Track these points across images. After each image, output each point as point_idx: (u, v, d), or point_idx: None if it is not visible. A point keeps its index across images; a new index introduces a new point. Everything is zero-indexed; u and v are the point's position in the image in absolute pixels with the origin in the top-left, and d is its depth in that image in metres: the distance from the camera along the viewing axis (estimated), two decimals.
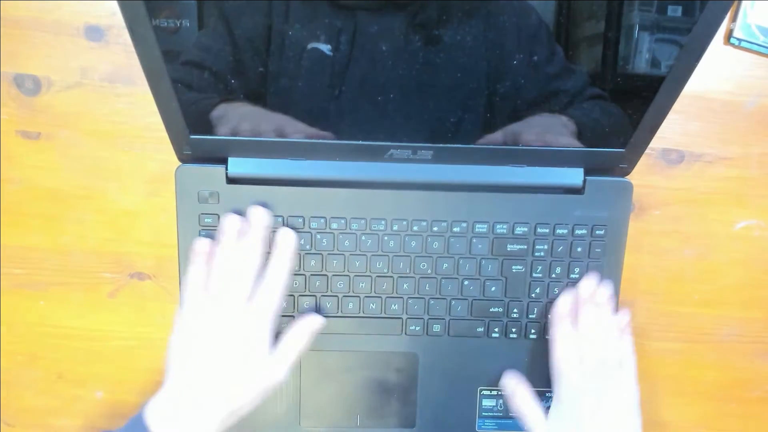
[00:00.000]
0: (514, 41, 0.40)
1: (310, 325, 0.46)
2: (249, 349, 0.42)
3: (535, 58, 0.41)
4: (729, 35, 0.50)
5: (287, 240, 0.46)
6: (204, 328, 0.42)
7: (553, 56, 0.41)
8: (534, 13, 0.40)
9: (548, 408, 0.47)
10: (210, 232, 0.47)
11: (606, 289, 0.49)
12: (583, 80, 0.43)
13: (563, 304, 0.48)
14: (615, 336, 0.48)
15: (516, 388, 0.48)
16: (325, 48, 0.40)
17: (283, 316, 0.49)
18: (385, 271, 0.49)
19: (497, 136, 0.45)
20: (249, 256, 0.44)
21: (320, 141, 0.45)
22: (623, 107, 0.44)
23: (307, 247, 0.48)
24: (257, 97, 0.43)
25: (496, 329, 0.50)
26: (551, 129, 0.45)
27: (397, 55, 0.40)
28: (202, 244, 0.46)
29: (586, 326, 0.47)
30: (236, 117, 0.44)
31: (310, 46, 0.40)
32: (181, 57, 0.40)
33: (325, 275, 0.49)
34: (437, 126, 0.45)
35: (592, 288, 0.49)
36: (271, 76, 0.41)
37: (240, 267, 0.44)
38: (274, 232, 0.47)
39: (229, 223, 0.45)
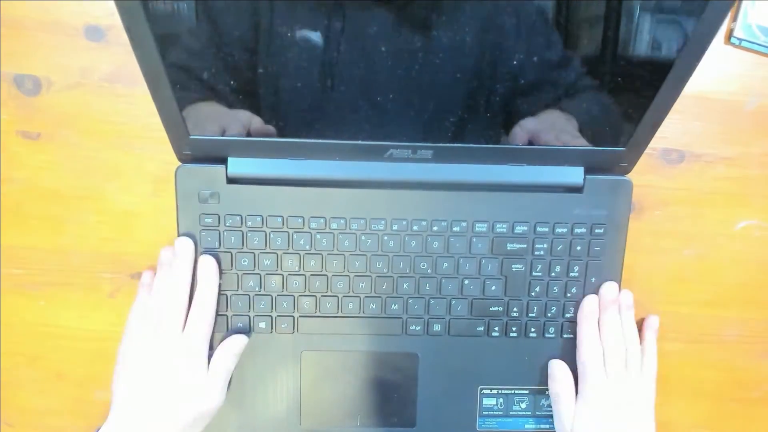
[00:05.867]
0: (512, 37, 0.40)
1: (234, 346, 0.47)
2: (185, 377, 0.44)
3: (534, 55, 0.41)
4: (729, 35, 0.50)
5: (208, 267, 0.47)
6: (143, 358, 0.45)
7: (553, 52, 0.41)
8: (532, 7, 0.40)
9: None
10: (210, 232, 0.48)
11: (628, 296, 0.50)
12: (584, 77, 0.42)
13: (589, 305, 0.49)
14: (637, 341, 0.49)
15: (557, 372, 0.49)
16: (315, 44, 0.40)
17: (284, 316, 0.49)
18: (385, 271, 0.49)
19: (497, 134, 0.45)
20: (178, 287, 0.46)
21: (320, 141, 0.45)
22: (624, 106, 0.44)
23: (307, 247, 0.48)
24: (254, 97, 0.42)
25: (496, 328, 0.50)
26: (551, 127, 0.45)
27: (389, 51, 0.40)
28: (146, 275, 0.49)
29: (610, 329, 0.48)
30: (234, 117, 0.44)
31: (298, 42, 0.39)
32: (177, 59, 0.40)
33: (325, 275, 0.49)
34: (437, 125, 0.44)
35: (614, 293, 0.49)
36: (262, 75, 0.41)
37: (171, 298, 0.46)
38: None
39: (163, 255, 0.48)
